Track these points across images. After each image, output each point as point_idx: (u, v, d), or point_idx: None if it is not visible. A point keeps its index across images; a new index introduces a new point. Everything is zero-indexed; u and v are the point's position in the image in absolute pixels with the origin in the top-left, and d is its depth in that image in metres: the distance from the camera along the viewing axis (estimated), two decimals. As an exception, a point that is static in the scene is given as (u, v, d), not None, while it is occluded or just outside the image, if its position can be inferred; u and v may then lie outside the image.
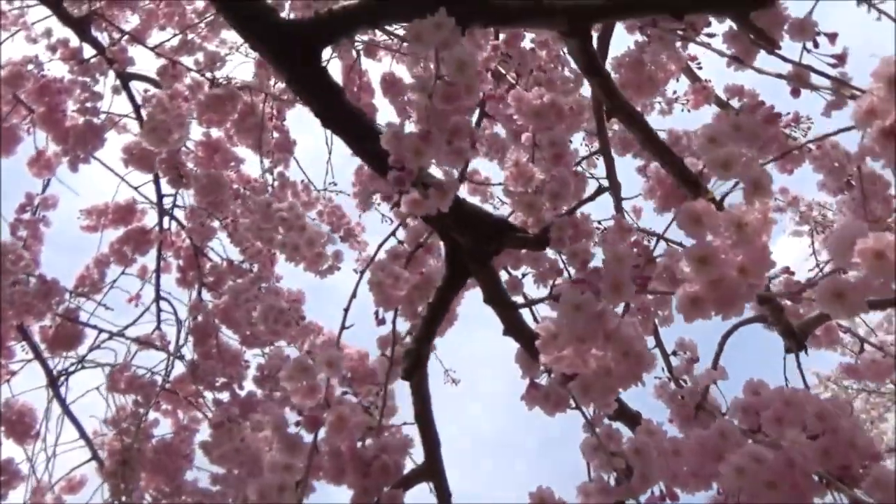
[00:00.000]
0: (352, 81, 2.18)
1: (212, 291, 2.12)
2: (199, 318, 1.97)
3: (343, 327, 0.90)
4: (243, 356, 2.02)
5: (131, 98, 2.23)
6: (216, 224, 2.12)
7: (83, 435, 1.99)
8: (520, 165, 0.78)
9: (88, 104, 2.06)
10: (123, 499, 1.69)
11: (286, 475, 0.71)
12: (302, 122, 2.28)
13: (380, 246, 0.91)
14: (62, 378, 1.93)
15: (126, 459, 1.78)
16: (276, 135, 2.14)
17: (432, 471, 0.82)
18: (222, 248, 2.14)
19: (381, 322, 0.95)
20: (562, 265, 0.89)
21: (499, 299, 0.77)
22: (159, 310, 2.13)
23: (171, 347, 2.00)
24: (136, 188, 2.24)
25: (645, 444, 0.73)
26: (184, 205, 2.20)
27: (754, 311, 1.12)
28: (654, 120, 1.93)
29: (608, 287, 0.66)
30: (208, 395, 2.00)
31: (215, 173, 1.79)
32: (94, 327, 1.90)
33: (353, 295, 0.96)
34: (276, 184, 1.98)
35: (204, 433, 2.00)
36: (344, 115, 0.70)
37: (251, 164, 2.24)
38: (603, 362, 0.69)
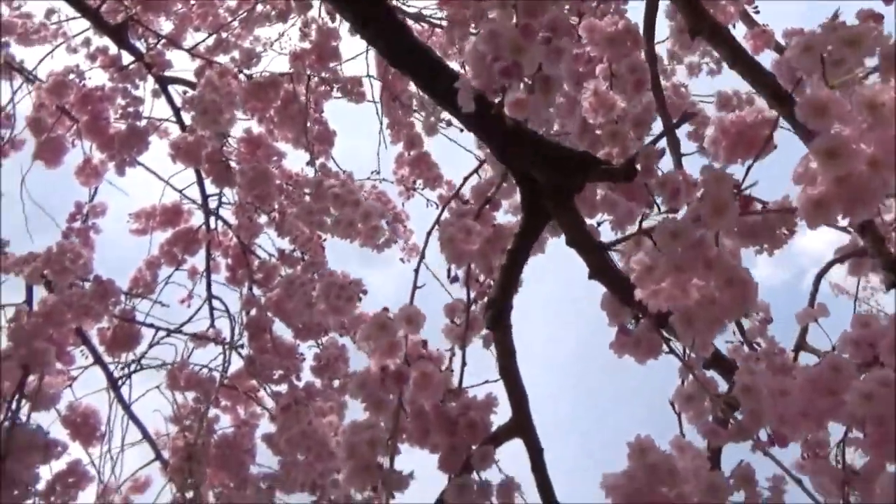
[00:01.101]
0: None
1: (262, 288, 2.12)
2: (253, 312, 1.96)
3: (415, 287, 0.87)
4: (298, 349, 2.01)
5: (170, 101, 2.24)
6: (263, 220, 2.13)
7: (146, 435, 2.01)
8: (599, 94, 0.74)
9: (130, 109, 2.07)
10: (190, 495, 1.69)
11: (375, 431, 0.68)
12: (338, 115, 2.28)
13: (461, 185, 0.88)
14: (122, 379, 1.95)
15: (191, 455, 1.78)
16: (315, 127, 2.14)
17: (521, 426, 0.79)
18: (270, 242, 2.15)
19: (454, 280, 0.92)
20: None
21: (582, 240, 0.74)
22: (212, 308, 2.14)
23: (226, 345, 2.01)
24: (180, 191, 2.27)
25: (754, 382, 0.68)
26: (230, 202, 2.21)
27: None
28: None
29: (709, 210, 0.62)
30: (265, 390, 2.00)
31: (261, 165, 1.79)
32: (151, 326, 1.91)
33: (422, 256, 0.93)
34: (318, 175, 1.97)
35: (264, 428, 2.01)
36: (414, 53, 0.68)
37: (293, 159, 2.24)
38: (706, 291, 0.65)
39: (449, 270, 0.90)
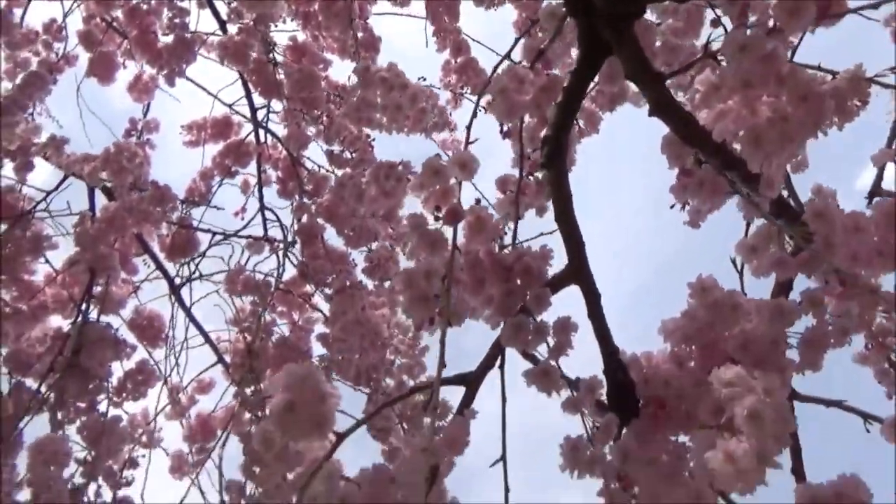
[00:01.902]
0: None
1: (312, 198, 2.14)
2: (304, 219, 1.99)
3: (468, 142, 0.86)
4: (349, 256, 2.04)
5: (215, 14, 2.23)
6: (311, 131, 2.13)
7: (207, 338, 2.09)
8: None
9: (176, 20, 2.07)
10: (252, 388, 1.76)
11: (431, 263, 0.68)
12: (384, 23, 2.23)
13: (509, 50, 0.85)
14: (182, 285, 2.01)
15: (250, 354, 1.85)
16: (360, 34, 2.10)
17: (578, 272, 0.78)
18: (320, 153, 2.15)
19: (506, 135, 0.90)
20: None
21: (643, 72, 0.70)
22: (264, 219, 2.18)
23: (280, 253, 2.05)
24: (229, 105, 2.28)
25: (826, 207, 0.65)
26: (278, 115, 2.22)
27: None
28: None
29: (785, 12, 0.58)
30: (320, 294, 2.05)
31: (307, 67, 1.77)
32: (209, 231, 1.96)
33: (474, 114, 0.91)
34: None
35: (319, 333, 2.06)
36: None
37: (338, 70, 2.22)
38: (778, 106, 0.61)
39: (501, 126, 0.87)
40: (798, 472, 0.90)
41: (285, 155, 2.23)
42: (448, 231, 0.74)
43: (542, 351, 0.78)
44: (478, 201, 0.81)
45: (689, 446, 0.73)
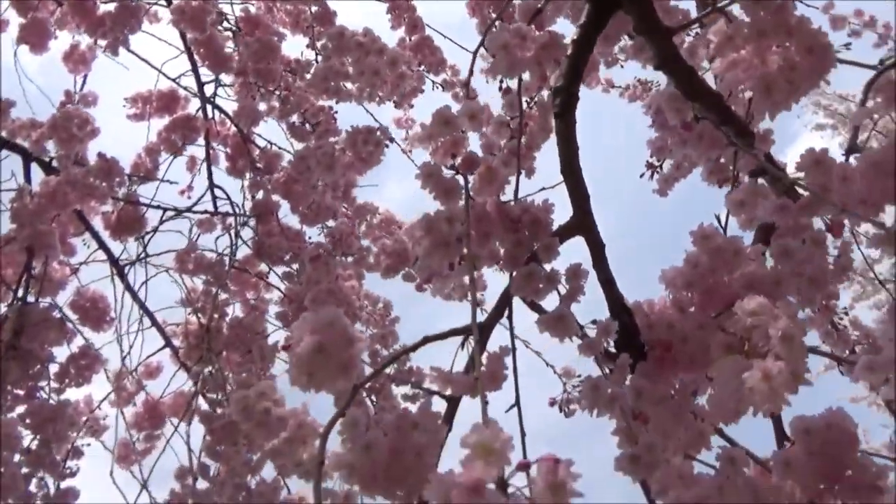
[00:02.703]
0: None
1: (264, 176, 2.08)
2: (259, 195, 1.94)
3: (469, 96, 0.86)
4: (305, 234, 2.00)
5: (160, -18, 2.13)
6: (262, 107, 2.07)
7: (154, 322, 2.00)
8: None
9: (118, -13, 1.97)
10: (210, 370, 1.70)
11: (453, 207, 0.68)
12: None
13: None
14: (128, 266, 1.92)
15: (204, 337, 1.78)
16: (314, 7, 2.06)
17: (583, 224, 0.79)
18: (270, 127, 2.10)
19: (506, 92, 0.90)
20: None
21: (652, 25, 0.72)
22: (214, 197, 2.10)
23: (232, 231, 1.98)
24: (174, 79, 2.19)
25: (824, 155, 0.69)
26: (226, 90, 2.15)
27: None
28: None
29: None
30: (275, 273, 2.00)
31: (265, 37, 1.72)
32: (158, 206, 1.87)
33: (471, 72, 0.91)
34: (320, 58, 1.91)
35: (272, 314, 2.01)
36: None
37: (291, 46, 2.17)
38: (788, 55, 0.65)
39: (501, 83, 0.88)
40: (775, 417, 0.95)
41: (234, 132, 2.16)
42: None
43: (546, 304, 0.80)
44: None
45: (693, 386, 0.77)
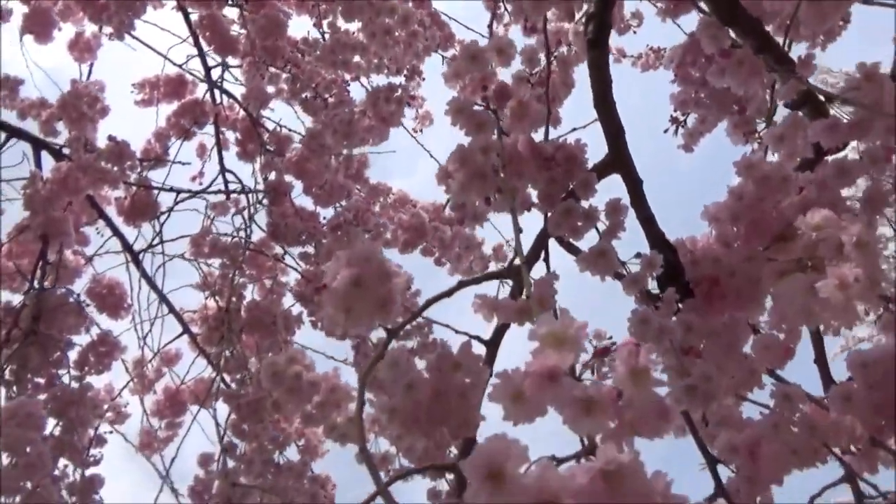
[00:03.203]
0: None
1: (277, 157, 2.06)
2: (271, 176, 1.91)
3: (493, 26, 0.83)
4: (319, 215, 1.98)
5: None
6: (271, 89, 2.05)
7: (171, 309, 1.98)
8: None
9: (121, -29, 1.94)
10: (230, 351, 1.68)
11: (487, 137, 0.65)
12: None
13: None
14: (145, 250, 1.90)
15: (223, 320, 1.76)
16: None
17: (618, 160, 0.76)
18: (279, 109, 2.07)
19: (531, 30, 0.87)
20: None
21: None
22: (226, 181, 2.08)
23: (245, 214, 1.96)
24: (180, 65, 2.16)
25: (876, 71, 0.65)
26: (233, 75, 2.12)
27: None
28: None
29: None
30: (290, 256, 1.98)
31: (272, 13, 1.69)
32: (171, 189, 1.85)
33: (494, 15, 0.88)
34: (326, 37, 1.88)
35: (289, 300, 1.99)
36: None
37: (298, 27, 2.14)
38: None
39: (525, 20, 0.85)
40: (820, 360, 0.92)
41: (243, 116, 2.14)
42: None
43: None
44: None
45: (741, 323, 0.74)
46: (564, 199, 0.74)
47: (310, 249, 1.87)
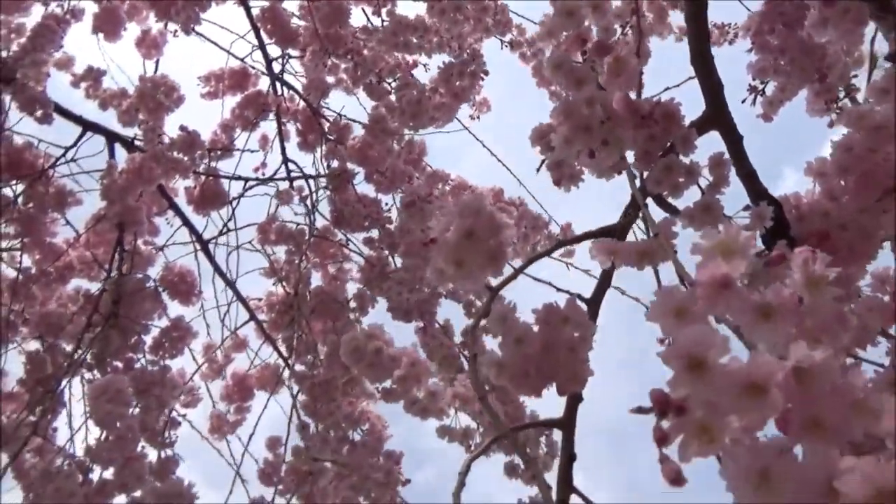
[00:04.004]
0: None
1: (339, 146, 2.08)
2: (335, 163, 1.94)
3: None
4: (381, 201, 1.99)
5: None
6: (331, 79, 2.07)
7: (238, 296, 2.02)
8: None
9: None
10: (299, 334, 1.71)
11: (592, 88, 0.65)
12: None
13: None
14: (214, 239, 1.95)
15: (298, 297, 1.79)
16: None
17: (718, 116, 0.75)
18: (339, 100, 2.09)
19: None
20: None
21: None
22: (289, 171, 2.12)
23: (309, 202, 1.99)
24: (241, 59, 2.21)
25: None
26: (293, 67, 2.16)
27: None
28: None
29: None
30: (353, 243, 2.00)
31: (336, 1, 1.72)
32: (239, 178, 1.89)
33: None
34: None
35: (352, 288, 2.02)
36: None
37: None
38: None
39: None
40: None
41: (304, 107, 2.17)
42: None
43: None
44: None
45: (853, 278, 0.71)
46: (662, 156, 0.73)
47: (374, 234, 1.88)
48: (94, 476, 1.26)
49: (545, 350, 0.62)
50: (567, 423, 0.65)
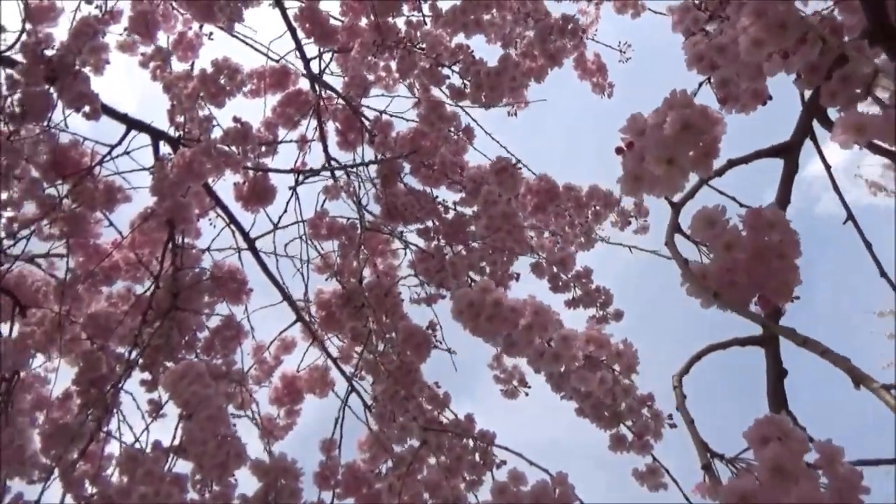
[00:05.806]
0: None
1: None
2: (385, 154, 1.91)
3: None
4: (430, 194, 1.96)
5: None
6: (371, 77, 2.05)
7: (285, 296, 1.97)
8: None
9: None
10: (363, 325, 1.66)
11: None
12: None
13: None
14: (263, 236, 1.90)
15: (348, 297, 1.75)
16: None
17: (885, 32, 0.72)
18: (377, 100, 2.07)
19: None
20: None
21: None
22: (332, 169, 2.08)
23: (357, 196, 1.95)
24: (277, 60, 2.19)
25: None
26: (330, 66, 2.14)
27: None
28: None
29: None
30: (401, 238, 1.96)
31: (388, -9, 1.70)
32: (290, 171, 1.85)
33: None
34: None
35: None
36: None
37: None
38: None
39: None
40: None
41: (343, 106, 2.15)
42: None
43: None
44: None
45: None
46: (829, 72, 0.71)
47: (429, 225, 1.85)
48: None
49: (755, 257, 0.58)
50: (770, 339, 0.61)
